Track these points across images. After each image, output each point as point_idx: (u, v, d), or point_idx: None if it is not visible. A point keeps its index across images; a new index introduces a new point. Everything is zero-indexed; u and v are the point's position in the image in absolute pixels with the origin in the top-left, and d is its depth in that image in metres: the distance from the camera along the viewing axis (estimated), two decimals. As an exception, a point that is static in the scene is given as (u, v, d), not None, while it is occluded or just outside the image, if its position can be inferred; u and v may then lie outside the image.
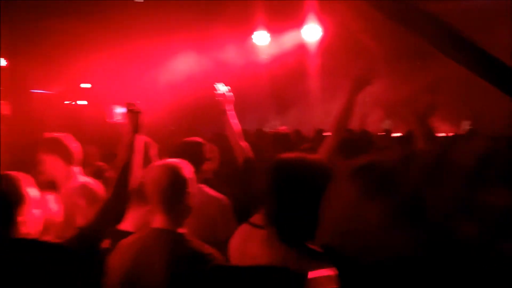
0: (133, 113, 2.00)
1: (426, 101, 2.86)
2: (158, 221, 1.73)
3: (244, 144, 2.86)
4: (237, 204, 2.59)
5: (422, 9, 3.00)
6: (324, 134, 5.63)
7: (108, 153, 4.64)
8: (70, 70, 10.26)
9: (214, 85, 2.85)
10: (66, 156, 2.58)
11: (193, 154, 2.49)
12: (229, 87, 2.87)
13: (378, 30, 5.87)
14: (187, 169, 1.80)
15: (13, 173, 1.65)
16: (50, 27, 8.68)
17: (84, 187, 2.54)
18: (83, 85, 12.17)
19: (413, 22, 3.04)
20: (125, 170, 1.87)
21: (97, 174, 2.99)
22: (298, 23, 8.04)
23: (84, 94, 12.25)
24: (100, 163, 3.44)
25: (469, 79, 3.30)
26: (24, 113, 10.16)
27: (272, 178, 1.36)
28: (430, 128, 2.43)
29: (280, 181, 1.34)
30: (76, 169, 2.64)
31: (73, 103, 12.14)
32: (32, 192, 1.61)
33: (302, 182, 1.30)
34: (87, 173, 2.78)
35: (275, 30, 8.25)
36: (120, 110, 2.19)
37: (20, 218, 1.55)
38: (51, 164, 2.56)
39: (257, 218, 2.15)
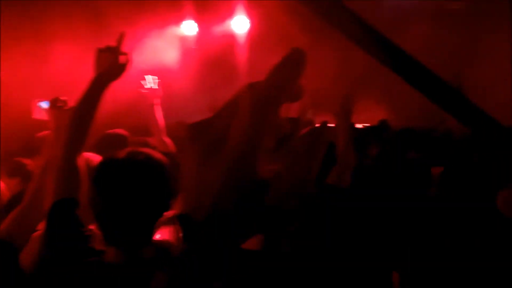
0: (59, 109, 1.81)
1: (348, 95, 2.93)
2: None
3: (167, 139, 2.78)
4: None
5: (344, 6, 3.08)
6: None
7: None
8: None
9: (144, 77, 2.72)
10: None
11: (119, 147, 2.38)
12: (157, 80, 2.74)
13: (306, 23, 5.97)
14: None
15: None
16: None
17: None
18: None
19: (336, 18, 3.11)
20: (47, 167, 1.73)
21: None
22: (227, 14, 7.95)
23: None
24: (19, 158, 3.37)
25: (388, 75, 3.46)
26: None
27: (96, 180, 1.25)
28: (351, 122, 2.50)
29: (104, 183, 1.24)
30: None
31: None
32: None
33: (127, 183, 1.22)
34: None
35: (203, 20, 8.07)
36: (44, 105, 2.02)
37: None
38: None
39: None
